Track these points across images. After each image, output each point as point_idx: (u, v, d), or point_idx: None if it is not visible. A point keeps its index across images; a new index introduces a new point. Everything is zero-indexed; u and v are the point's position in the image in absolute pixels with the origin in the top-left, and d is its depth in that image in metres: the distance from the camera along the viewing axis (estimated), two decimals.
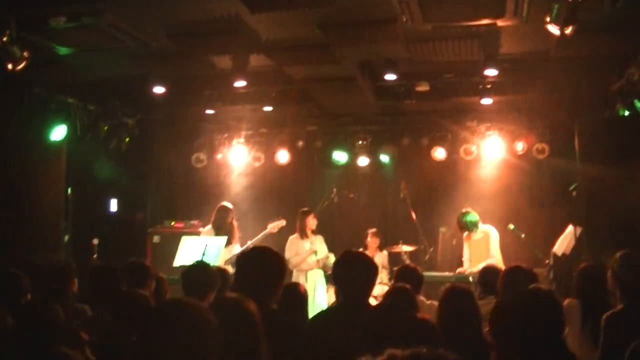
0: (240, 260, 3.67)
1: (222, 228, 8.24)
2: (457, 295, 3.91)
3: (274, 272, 3.54)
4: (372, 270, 3.82)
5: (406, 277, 4.95)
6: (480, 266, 8.15)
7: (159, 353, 2.16)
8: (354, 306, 3.54)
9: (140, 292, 3.78)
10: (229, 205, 8.53)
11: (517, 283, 4.24)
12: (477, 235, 8.48)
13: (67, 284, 4.90)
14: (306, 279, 8.54)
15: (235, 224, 8.37)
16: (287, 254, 8.55)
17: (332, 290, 8.69)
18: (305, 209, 8.98)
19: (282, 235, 8.80)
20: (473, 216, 8.47)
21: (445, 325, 3.70)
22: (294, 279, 8.21)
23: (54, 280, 4.87)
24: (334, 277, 3.95)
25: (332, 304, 8.52)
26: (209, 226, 8.41)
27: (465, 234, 8.60)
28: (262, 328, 2.72)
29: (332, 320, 3.76)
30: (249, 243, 8.03)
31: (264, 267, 3.50)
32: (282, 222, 8.57)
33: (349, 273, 3.77)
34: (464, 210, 8.56)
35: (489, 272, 5.37)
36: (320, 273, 8.77)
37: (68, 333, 3.42)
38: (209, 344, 2.22)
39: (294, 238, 8.79)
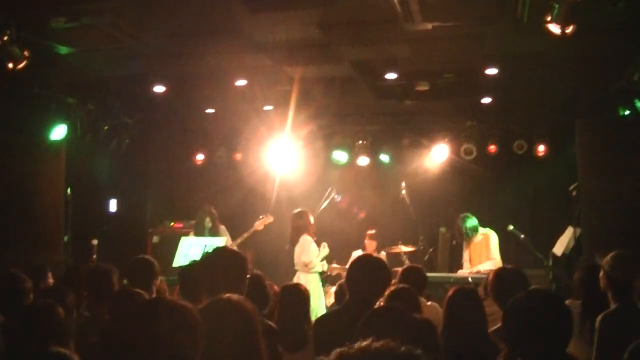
0: (204, 263, 3.72)
1: (206, 230, 8.16)
2: (464, 296, 3.93)
3: (237, 272, 3.62)
4: (384, 275, 3.85)
5: (410, 278, 4.96)
6: (479, 266, 8.19)
7: (141, 351, 2.18)
8: (359, 307, 3.54)
9: (138, 291, 3.76)
10: (209, 206, 8.43)
11: (508, 283, 4.22)
12: (477, 237, 8.42)
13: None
14: (318, 279, 8.27)
15: (217, 223, 8.25)
16: (311, 256, 8.01)
17: (330, 291, 8.60)
18: (304, 209, 8.56)
19: (271, 232, 8.69)
20: (472, 221, 8.38)
21: (451, 326, 3.73)
22: (305, 282, 7.57)
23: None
24: (347, 277, 3.98)
25: (332, 304, 8.47)
26: (192, 232, 8.30)
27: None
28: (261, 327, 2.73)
29: (335, 321, 3.77)
30: (232, 243, 7.85)
31: (226, 267, 3.59)
32: (270, 219, 8.28)
33: (361, 275, 3.79)
34: (462, 215, 8.46)
35: None
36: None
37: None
38: (190, 344, 2.22)
39: (311, 239, 8.15)
